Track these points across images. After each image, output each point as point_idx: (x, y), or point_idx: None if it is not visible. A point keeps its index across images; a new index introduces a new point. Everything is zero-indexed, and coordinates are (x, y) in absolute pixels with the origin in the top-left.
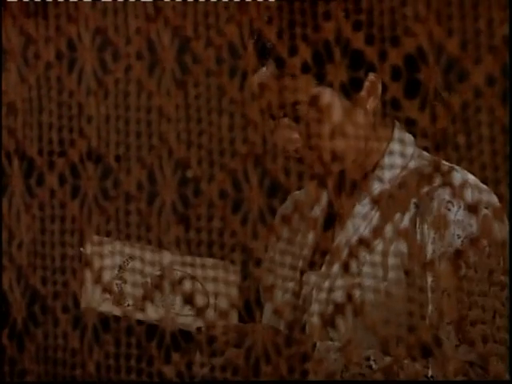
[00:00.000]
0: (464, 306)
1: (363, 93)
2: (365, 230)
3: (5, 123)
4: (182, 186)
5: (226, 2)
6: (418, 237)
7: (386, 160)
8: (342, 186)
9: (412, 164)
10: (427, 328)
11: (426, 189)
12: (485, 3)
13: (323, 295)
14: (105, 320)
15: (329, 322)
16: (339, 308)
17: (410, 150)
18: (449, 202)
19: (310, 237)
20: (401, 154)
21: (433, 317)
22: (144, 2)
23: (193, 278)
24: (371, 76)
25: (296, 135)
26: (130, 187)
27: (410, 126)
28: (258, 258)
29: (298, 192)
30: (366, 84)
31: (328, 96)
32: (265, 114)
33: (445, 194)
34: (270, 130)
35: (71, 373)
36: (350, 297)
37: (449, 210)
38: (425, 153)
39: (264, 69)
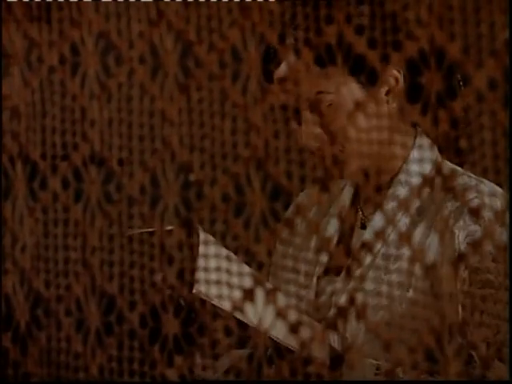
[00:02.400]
0: (466, 310)
1: (383, 89)
2: (391, 236)
3: (8, 127)
4: (184, 190)
5: (229, 6)
6: (422, 240)
7: (410, 166)
8: (365, 190)
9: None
10: (430, 331)
11: (427, 191)
12: (486, 7)
13: (343, 300)
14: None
15: (332, 326)
16: (342, 312)
17: (433, 155)
18: (452, 205)
19: (315, 241)
20: (424, 161)
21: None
22: (147, 6)
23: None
24: (393, 70)
25: (319, 130)
26: (133, 191)
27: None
28: (261, 262)
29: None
30: (387, 79)
31: (355, 88)
32: (288, 109)
33: (448, 198)
34: (292, 128)
35: (74, 376)
36: (352, 300)
37: (452, 213)
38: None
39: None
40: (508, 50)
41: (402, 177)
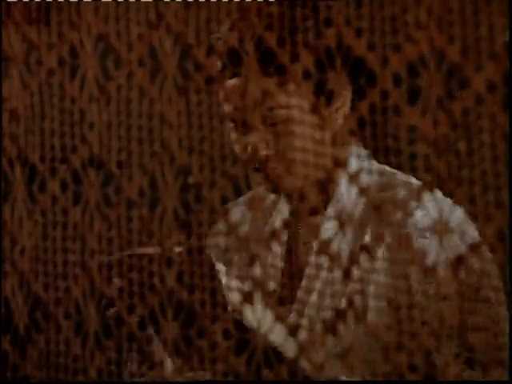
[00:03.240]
0: (465, 313)
1: (332, 108)
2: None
3: (7, 130)
4: (183, 192)
5: (227, 9)
6: (420, 243)
7: (347, 179)
8: (303, 206)
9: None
10: (429, 334)
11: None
12: (486, 10)
13: (326, 301)
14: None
15: (330, 329)
16: (340, 314)
17: (367, 165)
18: (449, 208)
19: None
20: (362, 172)
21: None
22: (146, 8)
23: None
24: (344, 91)
25: (265, 144)
26: (132, 193)
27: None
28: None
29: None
30: (338, 99)
31: (305, 106)
32: (236, 119)
33: (445, 200)
34: (233, 137)
35: (73, 378)
36: (351, 303)
37: (450, 216)
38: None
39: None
40: (507, 53)
41: (339, 192)
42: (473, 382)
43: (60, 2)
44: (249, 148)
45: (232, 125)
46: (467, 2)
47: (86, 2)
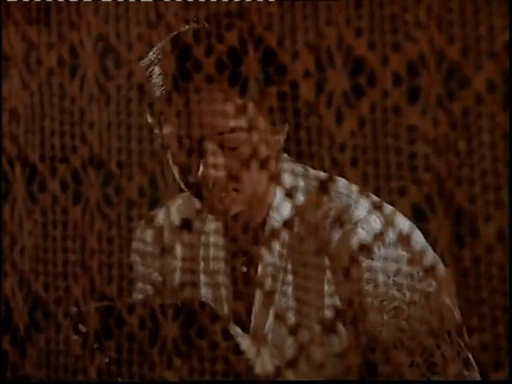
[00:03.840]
0: (463, 313)
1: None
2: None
3: (7, 129)
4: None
5: (227, 8)
6: (418, 242)
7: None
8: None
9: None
10: (428, 334)
11: None
12: (485, 10)
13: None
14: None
15: (329, 328)
16: (340, 314)
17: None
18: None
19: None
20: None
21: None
22: (145, 8)
23: None
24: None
25: (221, 166)
26: (132, 193)
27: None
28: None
29: None
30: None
31: (266, 129)
32: (192, 138)
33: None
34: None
35: (73, 378)
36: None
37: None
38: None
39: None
40: (507, 53)
41: (274, 211)
42: (473, 382)
43: (60, 2)
44: (201, 170)
45: (176, 145)
46: (467, 2)
47: (86, 2)
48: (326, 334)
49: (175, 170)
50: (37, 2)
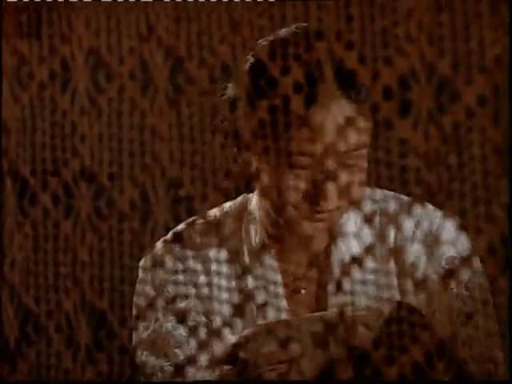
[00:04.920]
0: (455, 326)
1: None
2: (357, 249)
3: None
4: (174, 205)
5: (219, 22)
6: (410, 255)
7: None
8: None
9: None
10: (419, 348)
11: (418, 207)
12: (476, 24)
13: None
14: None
15: (321, 342)
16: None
17: None
18: (440, 220)
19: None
20: None
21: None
22: (137, 21)
23: None
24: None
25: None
26: (123, 206)
27: None
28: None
29: None
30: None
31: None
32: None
33: (436, 213)
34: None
35: None
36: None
37: (441, 228)
38: None
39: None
40: (498, 67)
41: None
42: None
43: (51, 15)
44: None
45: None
46: (458, 16)
47: (77, 15)
48: (318, 347)
49: (267, 193)
50: (28, 15)
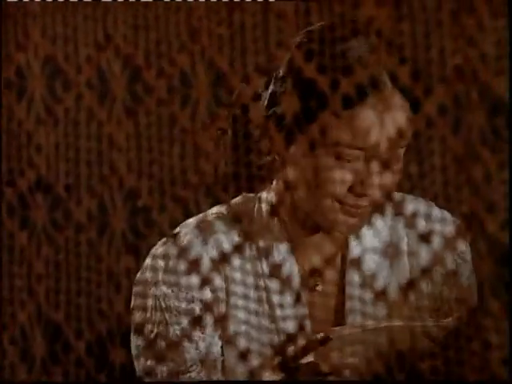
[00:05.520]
0: (415, 337)
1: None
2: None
3: None
4: (132, 216)
5: (177, 30)
6: (372, 266)
7: None
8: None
9: None
10: (381, 358)
11: (378, 218)
12: (437, 33)
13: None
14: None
15: (282, 353)
16: (291, 338)
17: None
18: (401, 231)
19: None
20: None
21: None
22: (94, 30)
23: None
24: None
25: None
26: (80, 217)
27: None
28: None
29: None
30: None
31: None
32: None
33: (398, 223)
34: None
35: None
36: (301, 327)
37: (401, 239)
38: None
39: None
40: (458, 76)
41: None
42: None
43: (6, 22)
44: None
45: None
46: (418, 25)
47: (34, 22)
48: (278, 358)
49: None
50: None
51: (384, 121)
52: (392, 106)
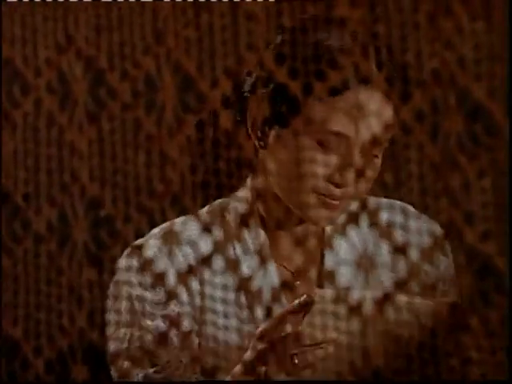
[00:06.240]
0: (391, 352)
1: None
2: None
3: None
4: (95, 226)
5: (142, 32)
6: (345, 278)
7: None
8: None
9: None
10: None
11: (352, 228)
12: (413, 36)
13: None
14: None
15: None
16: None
17: None
18: (376, 243)
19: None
20: None
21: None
22: (54, 31)
23: None
24: None
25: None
26: (40, 228)
27: None
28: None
29: None
30: None
31: None
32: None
33: (372, 234)
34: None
35: None
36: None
37: (376, 251)
38: None
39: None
40: (436, 81)
41: None
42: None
43: None
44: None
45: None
46: (394, 28)
47: None
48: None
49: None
50: None
51: (368, 110)
52: (377, 98)
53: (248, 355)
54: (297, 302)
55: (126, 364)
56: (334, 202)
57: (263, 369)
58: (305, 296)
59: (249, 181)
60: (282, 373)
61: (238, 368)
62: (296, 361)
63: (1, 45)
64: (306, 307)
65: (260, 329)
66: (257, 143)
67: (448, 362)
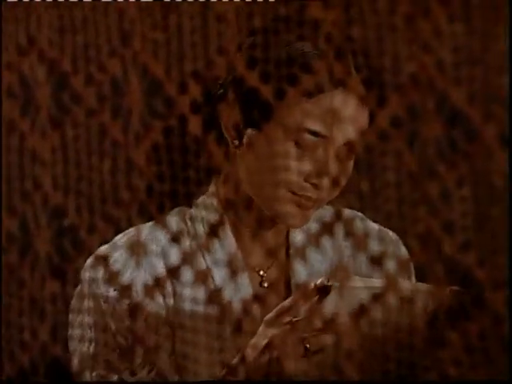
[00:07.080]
0: (367, 366)
1: None
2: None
3: None
4: (58, 237)
5: (108, 34)
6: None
7: None
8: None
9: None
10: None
11: (327, 239)
12: (390, 38)
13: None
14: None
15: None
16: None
17: None
18: (351, 253)
19: None
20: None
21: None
22: (15, 33)
23: None
24: None
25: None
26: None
27: None
28: None
29: None
30: None
31: None
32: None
33: (346, 245)
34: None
35: None
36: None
37: (350, 262)
38: None
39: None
40: (414, 85)
41: None
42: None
43: None
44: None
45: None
46: (370, 30)
47: None
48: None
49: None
50: None
51: (344, 114)
52: (355, 100)
53: (256, 341)
54: (312, 284)
55: (94, 376)
56: (308, 202)
57: (275, 353)
58: (322, 279)
59: (212, 188)
60: (294, 357)
61: (248, 352)
62: (307, 345)
63: (1, 46)
64: (322, 292)
65: (269, 315)
66: (231, 144)
67: (426, 376)
